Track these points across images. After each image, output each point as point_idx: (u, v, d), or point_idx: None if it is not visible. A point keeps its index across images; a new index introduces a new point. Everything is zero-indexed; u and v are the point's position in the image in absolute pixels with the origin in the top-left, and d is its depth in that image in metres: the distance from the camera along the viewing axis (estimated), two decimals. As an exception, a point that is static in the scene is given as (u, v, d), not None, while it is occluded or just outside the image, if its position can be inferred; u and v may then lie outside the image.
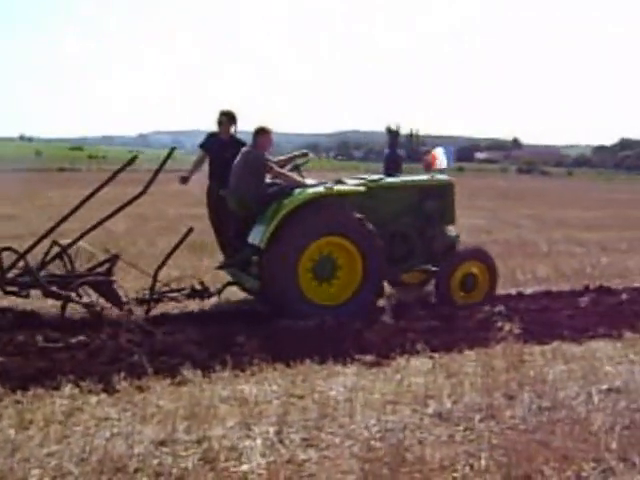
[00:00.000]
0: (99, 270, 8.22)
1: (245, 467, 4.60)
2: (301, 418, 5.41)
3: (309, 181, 9.04)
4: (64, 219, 8.09)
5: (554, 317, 8.63)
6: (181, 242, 8.45)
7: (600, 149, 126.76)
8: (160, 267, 8.26)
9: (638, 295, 10.22)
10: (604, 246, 15.73)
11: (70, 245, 8.18)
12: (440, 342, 7.45)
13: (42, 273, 8.00)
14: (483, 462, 4.73)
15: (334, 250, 8.51)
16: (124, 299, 8.02)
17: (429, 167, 10.44)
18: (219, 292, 8.82)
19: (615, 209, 28.59)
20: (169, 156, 8.60)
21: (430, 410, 5.63)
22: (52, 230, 8.07)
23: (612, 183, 51.64)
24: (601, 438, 5.13)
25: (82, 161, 76.79)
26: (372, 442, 5.02)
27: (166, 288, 8.44)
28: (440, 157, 10.49)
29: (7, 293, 8.01)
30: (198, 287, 8.60)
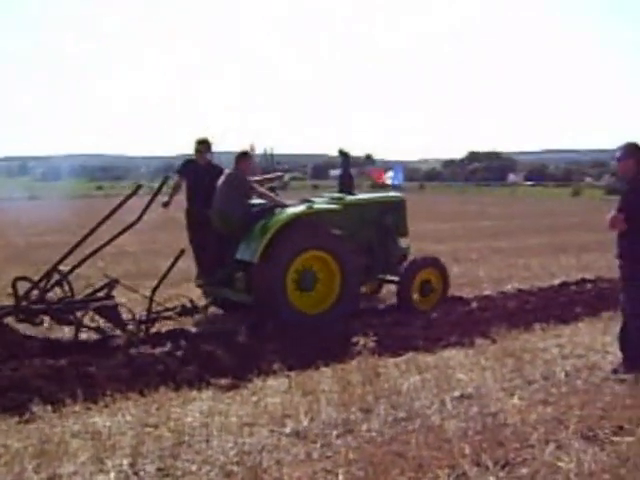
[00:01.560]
0: (99, 294, 8.63)
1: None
2: (156, 448, 5.26)
3: (287, 201, 9.82)
4: (74, 248, 8.45)
5: (408, 329, 8.79)
6: (173, 265, 8.84)
7: (450, 163, 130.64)
8: (155, 289, 8.62)
9: (488, 303, 10.58)
10: (455, 257, 16.15)
11: (70, 272, 8.59)
12: (296, 360, 7.43)
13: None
14: (341, 477, 4.73)
15: (315, 263, 9.33)
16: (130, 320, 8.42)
17: (376, 184, 11.24)
18: (206, 308, 9.51)
19: (465, 221, 29.49)
20: (163, 184, 9.12)
21: (287, 429, 5.59)
22: (65, 258, 8.43)
23: (462, 195, 53.27)
24: (455, 444, 5.24)
25: None
26: (229, 466, 4.94)
27: (160, 308, 8.83)
28: (388, 177, 11.13)
29: (21, 321, 8.22)
30: (188, 305, 9.07)
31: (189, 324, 9.31)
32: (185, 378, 6.79)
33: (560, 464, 4.91)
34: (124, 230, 8.69)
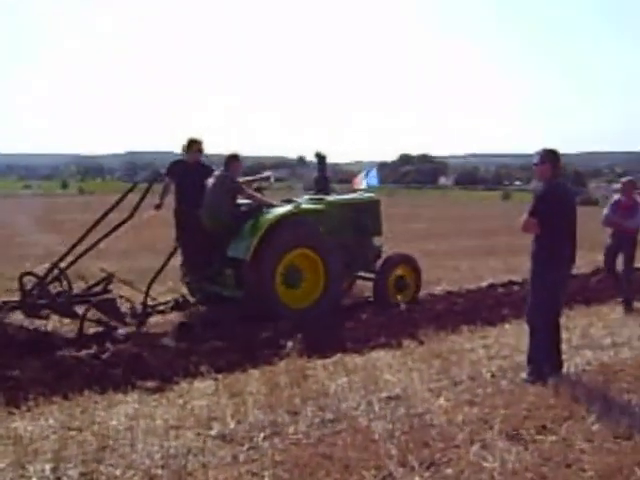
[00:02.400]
0: (97, 289, 9.08)
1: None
2: (80, 452, 5.15)
3: (273, 201, 10.30)
4: (76, 244, 8.99)
5: (336, 331, 8.80)
6: (168, 260, 9.59)
7: (382, 165, 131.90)
8: (150, 284, 9.17)
9: (417, 304, 10.64)
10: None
11: (67, 267, 8.97)
12: (224, 362, 7.39)
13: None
14: (267, 480, 4.70)
15: (300, 260, 9.82)
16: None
17: (353, 187, 12.50)
18: (195, 305, 10.05)
19: (395, 223, 29.62)
20: (153, 182, 9.70)
21: (214, 432, 5.54)
22: (66, 254, 8.96)
23: (392, 197, 53.65)
24: (381, 445, 5.26)
25: None
26: (154, 470, 4.87)
27: (154, 302, 9.33)
28: (359, 179, 12.58)
29: (30, 316, 8.49)
30: (180, 300, 9.76)
31: (180, 318, 9.61)
32: (111, 381, 6.68)
33: (485, 464, 4.97)
34: (116, 227, 9.17)
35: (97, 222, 8.96)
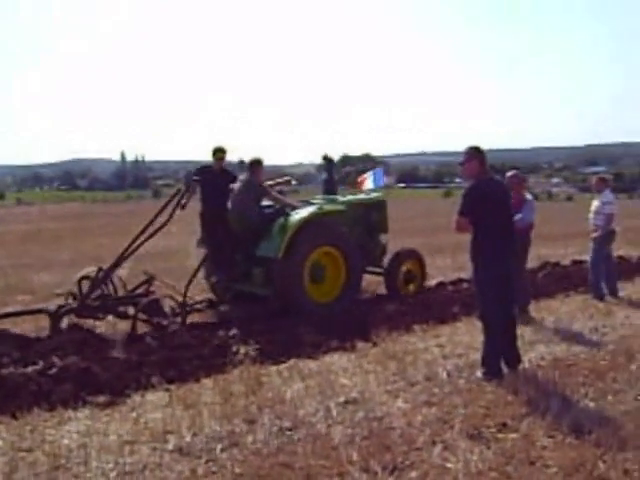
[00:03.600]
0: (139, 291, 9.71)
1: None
2: (31, 473, 4.97)
3: (296, 203, 11.05)
4: (127, 249, 9.63)
5: (288, 336, 8.65)
6: (201, 265, 10.50)
7: (322, 166, 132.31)
8: (189, 284, 9.87)
9: (367, 306, 10.65)
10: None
11: (112, 270, 9.61)
12: (176, 373, 7.22)
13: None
14: (227, 493, 4.57)
15: (324, 257, 10.45)
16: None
17: (359, 188, 13.23)
18: (227, 302, 10.85)
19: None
20: (188, 189, 10.40)
21: (170, 446, 5.39)
22: (120, 260, 9.62)
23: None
24: (342, 451, 5.17)
25: None
26: (109, 488, 4.70)
27: (192, 301, 10.10)
28: (366, 179, 13.14)
29: (84, 317, 9.15)
30: (214, 299, 10.90)
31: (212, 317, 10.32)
32: (59, 397, 6.45)
33: (448, 465, 4.93)
34: (155, 232, 9.74)
35: (145, 228, 9.63)
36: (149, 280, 9.74)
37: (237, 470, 4.91)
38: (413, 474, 4.80)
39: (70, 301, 9.45)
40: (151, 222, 9.65)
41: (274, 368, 7.42)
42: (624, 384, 6.72)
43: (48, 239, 27.67)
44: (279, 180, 12.22)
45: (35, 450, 5.38)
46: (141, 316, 9.00)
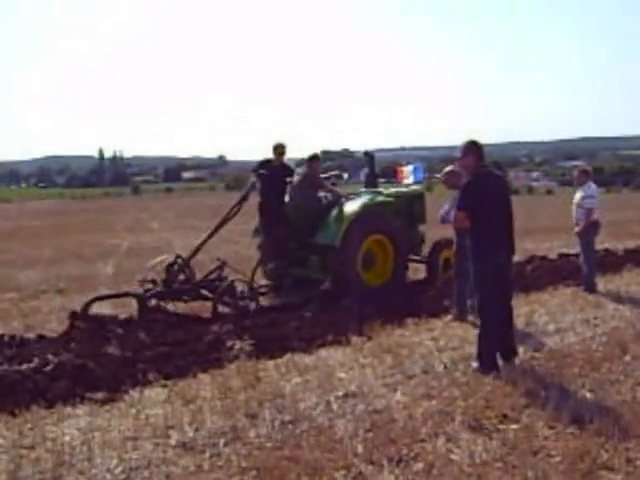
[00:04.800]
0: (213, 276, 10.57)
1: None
2: (35, 471, 4.92)
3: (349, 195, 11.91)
4: (206, 240, 10.84)
5: (283, 330, 8.68)
6: (260, 262, 11.56)
7: (302, 161, 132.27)
8: (255, 271, 11.11)
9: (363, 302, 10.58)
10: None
11: (190, 258, 10.55)
12: (172, 368, 7.21)
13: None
14: (236, 487, 4.57)
15: (374, 245, 11.31)
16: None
17: (399, 181, 14.16)
18: (291, 288, 11.60)
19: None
20: (254, 184, 11.58)
21: (173, 441, 5.36)
22: (197, 250, 10.70)
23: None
24: (347, 444, 5.18)
25: None
26: (116, 484, 4.68)
27: (257, 285, 10.97)
28: (407, 174, 13.97)
29: (170, 300, 10.01)
30: (275, 284, 11.75)
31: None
32: (57, 394, 6.41)
33: (453, 456, 4.95)
34: (222, 224, 10.94)
35: (223, 221, 10.94)
36: (221, 266, 10.59)
37: (243, 464, 4.89)
38: (419, 465, 4.81)
39: (150, 286, 10.11)
40: (230, 215, 10.87)
41: (271, 363, 7.43)
42: (619, 374, 6.77)
43: (29, 236, 27.56)
44: (332, 173, 13.43)
45: (37, 447, 5.34)
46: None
